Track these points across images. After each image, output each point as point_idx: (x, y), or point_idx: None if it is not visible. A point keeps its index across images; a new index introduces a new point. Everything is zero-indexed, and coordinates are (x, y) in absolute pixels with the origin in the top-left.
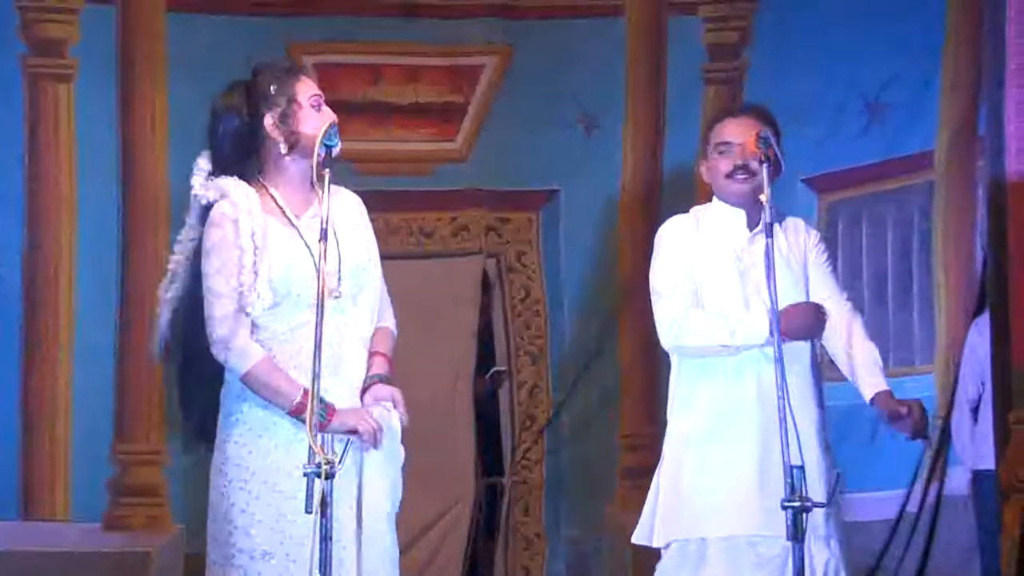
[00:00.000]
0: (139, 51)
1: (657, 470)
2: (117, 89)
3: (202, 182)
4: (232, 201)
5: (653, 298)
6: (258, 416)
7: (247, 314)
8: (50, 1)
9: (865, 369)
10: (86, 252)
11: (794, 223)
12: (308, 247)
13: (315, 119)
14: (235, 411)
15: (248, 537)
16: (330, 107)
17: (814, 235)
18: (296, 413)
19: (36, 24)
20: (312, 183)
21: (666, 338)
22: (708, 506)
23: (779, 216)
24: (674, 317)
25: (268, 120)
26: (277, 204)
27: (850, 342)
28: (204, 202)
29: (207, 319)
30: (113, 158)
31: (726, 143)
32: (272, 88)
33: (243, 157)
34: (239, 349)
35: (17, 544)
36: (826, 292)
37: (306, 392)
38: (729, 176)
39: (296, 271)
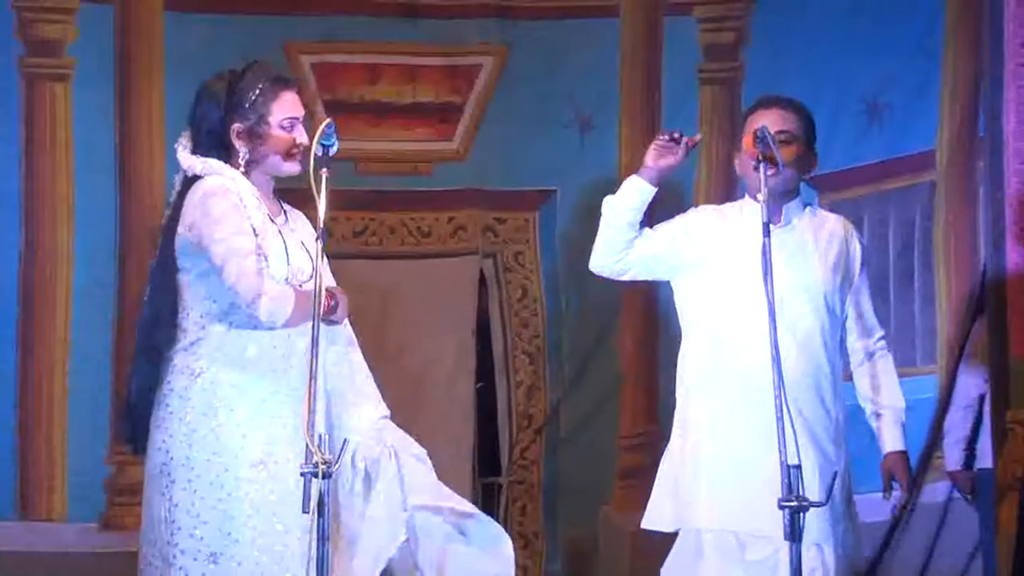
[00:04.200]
0: (136, 50)
1: (664, 452)
2: (114, 88)
3: (189, 155)
4: (231, 178)
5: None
6: (203, 417)
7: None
8: (47, 1)
9: (887, 427)
10: (83, 252)
11: (834, 220)
12: (285, 246)
13: (281, 142)
14: (179, 412)
15: (192, 539)
16: (328, 107)
17: (857, 246)
18: (327, 312)
19: (33, 24)
20: (275, 193)
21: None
22: (704, 496)
23: (813, 211)
24: None
25: (234, 128)
26: (256, 196)
27: (877, 389)
28: (191, 173)
29: (236, 280)
30: (110, 157)
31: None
32: (247, 100)
33: (215, 145)
34: (280, 295)
35: (13, 544)
36: (856, 327)
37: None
38: (756, 168)
39: (276, 268)
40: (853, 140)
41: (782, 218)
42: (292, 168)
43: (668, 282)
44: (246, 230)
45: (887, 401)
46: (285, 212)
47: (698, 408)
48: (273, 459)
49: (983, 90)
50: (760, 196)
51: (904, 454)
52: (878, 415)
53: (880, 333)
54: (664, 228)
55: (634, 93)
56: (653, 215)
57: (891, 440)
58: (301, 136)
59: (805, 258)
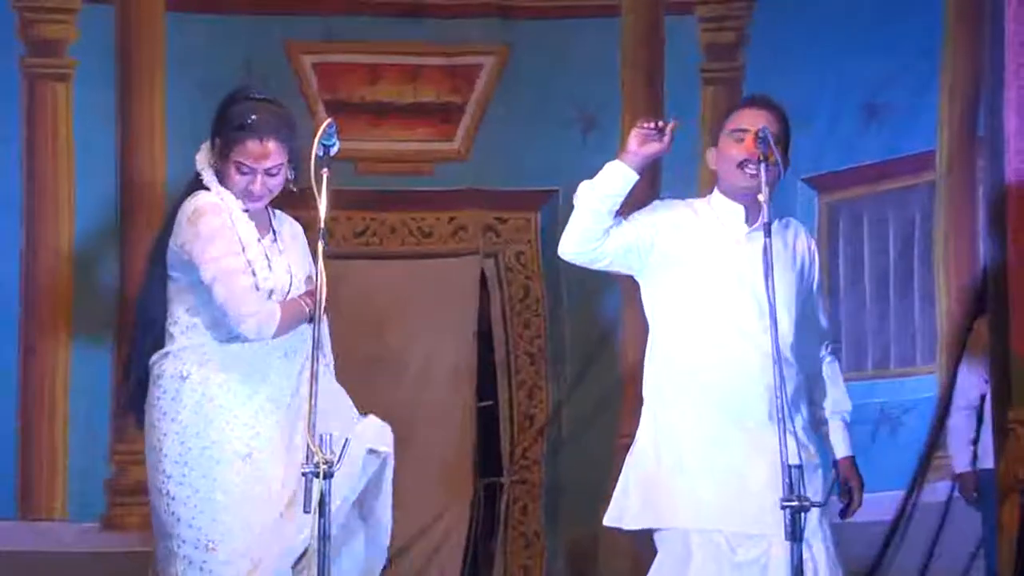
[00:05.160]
0: (137, 50)
1: (631, 450)
2: (115, 88)
3: (204, 152)
4: (223, 199)
5: None
6: (194, 416)
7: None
8: (48, 1)
9: (834, 433)
10: (84, 252)
11: (796, 228)
12: (269, 263)
13: (236, 179)
14: (171, 412)
15: (191, 528)
16: (329, 106)
17: (814, 250)
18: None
19: (34, 24)
20: (267, 209)
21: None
22: (687, 496)
23: (781, 217)
24: None
25: (216, 141)
26: (244, 210)
27: (827, 397)
28: (197, 168)
29: (226, 300)
30: (111, 157)
31: (743, 130)
32: (221, 128)
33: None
34: (267, 313)
35: (15, 544)
36: (814, 328)
37: (302, 296)
38: (741, 166)
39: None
40: (853, 140)
41: (759, 220)
42: (250, 204)
43: None
44: (235, 249)
45: (834, 408)
46: (275, 231)
47: (672, 408)
48: (258, 452)
49: (983, 90)
50: (761, 197)
51: (852, 459)
52: (825, 421)
53: (830, 338)
54: (640, 218)
55: (636, 92)
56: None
57: (840, 447)
58: (256, 186)
59: (779, 261)
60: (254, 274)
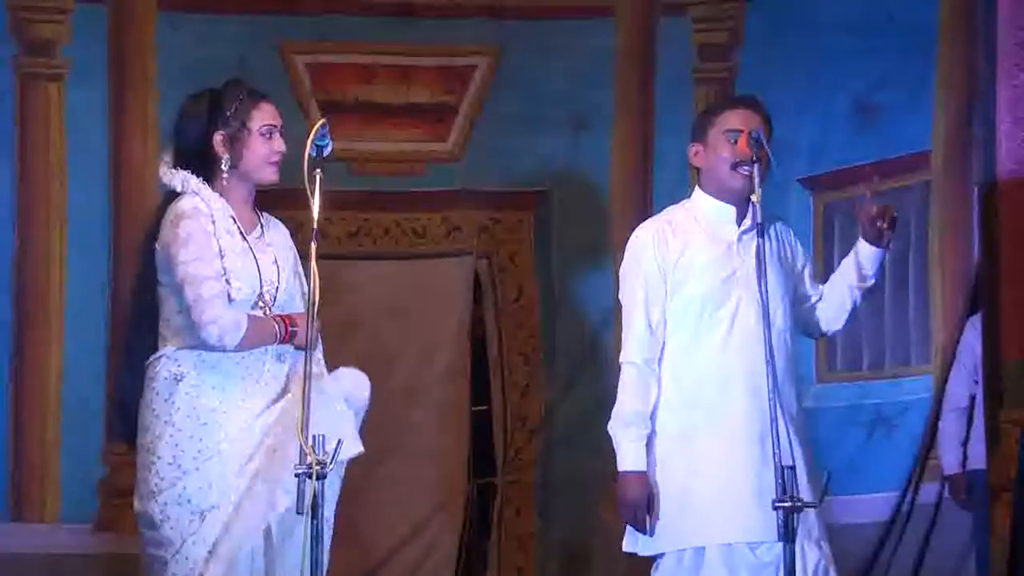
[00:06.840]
0: (130, 51)
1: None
2: (108, 89)
3: (170, 171)
4: (204, 199)
5: (623, 318)
6: (187, 419)
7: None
8: (41, 1)
9: (846, 267)
10: (76, 254)
11: (776, 227)
12: (256, 262)
13: (261, 148)
14: (164, 415)
15: (186, 531)
16: (322, 107)
17: (798, 244)
18: (285, 339)
19: (27, 24)
20: (254, 205)
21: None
22: (705, 514)
23: (770, 218)
24: (624, 375)
25: (217, 137)
26: (230, 215)
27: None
28: (170, 188)
29: (192, 304)
30: (104, 158)
31: (737, 130)
32: (228, 110)
33: (198, 162)
34: (231, 322)
35: (7, 546)
36: (814, 291)
37: (276, 317)
38: (735, 167)
39: (243, 283)
40: (847, 140)
41: (750, 221)
42: (271, 176)
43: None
44: (209, 256)
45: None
46: (262, 225)
47: (682, 423)
48: (253, 455)
49: (977, 90)
50: (754, 197)
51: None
52: (838, 281)
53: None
54: (648, 290)
55: (628, 93)
56: (650, 211)
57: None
58: (279, 145)
59: (771, 259)
60: (228, 283)
